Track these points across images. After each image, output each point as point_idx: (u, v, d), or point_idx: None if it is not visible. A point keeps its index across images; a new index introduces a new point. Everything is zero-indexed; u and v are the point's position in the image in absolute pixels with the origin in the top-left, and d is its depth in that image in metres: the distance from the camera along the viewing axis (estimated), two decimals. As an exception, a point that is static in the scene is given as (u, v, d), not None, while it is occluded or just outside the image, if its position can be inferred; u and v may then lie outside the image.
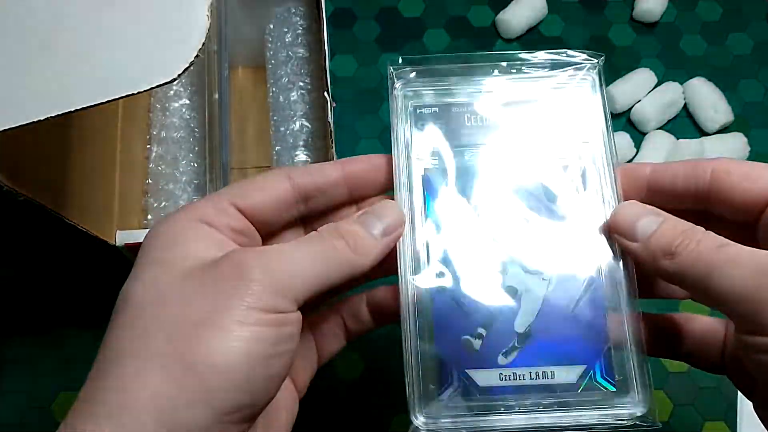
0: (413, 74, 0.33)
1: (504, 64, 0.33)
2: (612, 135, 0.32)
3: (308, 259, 0.26)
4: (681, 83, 0.54)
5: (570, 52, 0.33)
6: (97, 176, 0.43)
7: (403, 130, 0.32)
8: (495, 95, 0.33)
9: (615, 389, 0.29)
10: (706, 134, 0.53)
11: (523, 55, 0.33)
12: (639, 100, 0.53)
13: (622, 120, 0.54)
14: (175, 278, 0.25)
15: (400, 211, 0.30)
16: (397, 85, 0.33)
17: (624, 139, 0.52)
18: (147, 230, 0.44)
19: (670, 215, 0.29)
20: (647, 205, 0.29)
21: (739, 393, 0.46)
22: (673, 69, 0.55)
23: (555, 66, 0.33)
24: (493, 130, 0.32)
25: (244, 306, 0.24)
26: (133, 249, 0.41)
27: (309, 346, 0.32)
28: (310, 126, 0.48)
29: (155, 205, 0.47)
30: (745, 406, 0.46)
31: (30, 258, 0.50)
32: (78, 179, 0.39)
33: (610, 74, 0.54)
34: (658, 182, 0.30)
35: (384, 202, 0.30)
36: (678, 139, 0.52)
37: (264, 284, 0.25)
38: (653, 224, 0.28)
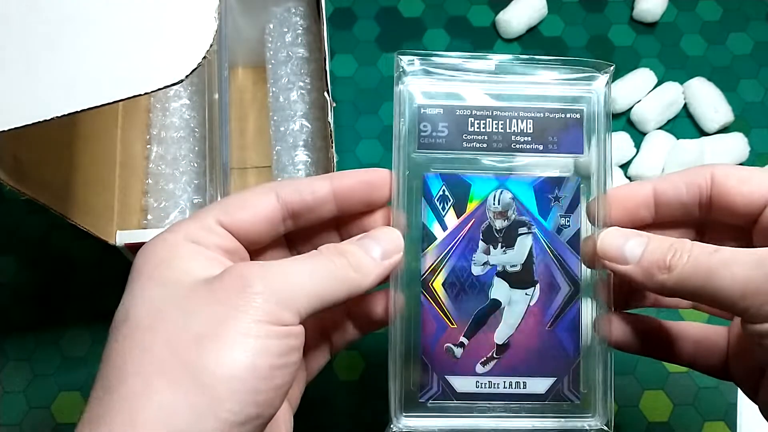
0: (421, 69, 0.32)
1: (517, 66, 0.32)
2: (611, 149, 0.32)
3: (310, 275, 0.27)
4: (681, 83, 0.53)
5: (580, 62, 0.32)
6: (97, 176, 0.43)
7: (405, 132, 0.32)
8: (502, 100, 0.32)
9: (579, 401, 0.31)
10: (706, 134, 0.53)
11: (536, 60, 0.32)
12: (639, 100, 0.53)
13: (622, 120, 0.54)
14: (174, 294, 0.25)
15: (398, 237, 0.30)
16: (405, 79, 0.32)
17: (624, 139, 0.52)
18: (147, 230, 0.45)
19: (652, 234, 0.30)
20: (628, 229, 0.30)
21: (739, 393, 0.46)
22: (673, 69, 0.55)
23: (564, 71, 0.32)
24: (495, 137, 0.32)
25: (249, 318, 0.24)
26: (133, 249, 0.41)
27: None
28: (310, 126, 0.48)
29: (155, 205, 0.47)
30: (744, 406, 0.46)
31: (30, 257, 0.50)
32: (79, 179, 0.39)
33: (610, 74, 0.54)
34: (663, 197, 0.31)
35: (383, 228, 0.30)
36: (678, 139, 0.52)
37: (267, 297, 0.25)
38: (640, 245, 0.29)
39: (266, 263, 0.26)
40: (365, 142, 0.53)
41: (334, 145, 0.41)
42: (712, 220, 0.31)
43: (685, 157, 0.50)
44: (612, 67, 0.32)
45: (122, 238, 0.41)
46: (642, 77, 0.54)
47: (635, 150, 0.52)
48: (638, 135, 0.53)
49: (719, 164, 0.30)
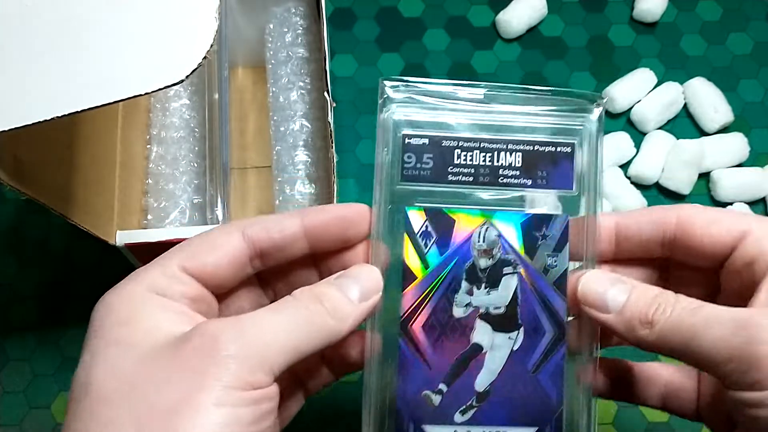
0: (407, 96, 0.30)
1: (506, 96, 0.31)
2: (601, 188, 0.31)
3: (284, 327, 0.25)
4: (681, 83, 0.54)
5: (571, 93, 0.31)
6: (97, 176, 0.43)
7: (388, 163, 0.30)
8: (491, 131, 0.31)
9: None
10: (706, 134, 0.53)
11: (527, 89, 0.31)
12: (639, 100, 0.53)
13: (622, 120, 0.54)
14: (139, 359, 0.24)
15: (378, 276, 0.28)
16: (389, 107, 0.30)
17: (624, 139, 0.52)
18: (147, 230, 0.45)
19: (636, 281, 0.28)
20: (611, 274, 0.29)
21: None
22: (673, 69, 0.55)
23: (555, 102, 0.31)
24: (481, 171, 0.30)
25: (221, 386, 0.23)
26: (134, 249, 0.41)
27: None
28: (310, 126, 0.48)
29: (155, 205, 0.47)
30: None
31: (30, 257, 0.50)
32: (79, 179, 0.39)
33: (610, 74, 0.54)
34: (624, 233, 0.30)
35: (361, 266, 0.29)
36: (678, 139, 0.52)
37: (240, 359, 0.23)
38: (623, 294, 0.28)
39: (238, 319, 0.25)
40: (365, 142, 0.53)
41: (334, 145, 0.41)
42: (675, 261, 0.30)
43: (685, 157, 0.50)
44: (605, 100, 0.31)
45: (122, 238, 0.41)
46: (642, 77, 0.54)
47: (635, 150, 0.52)
48: (638, 135, 0.53)
49: (686, 205, 0.29)
